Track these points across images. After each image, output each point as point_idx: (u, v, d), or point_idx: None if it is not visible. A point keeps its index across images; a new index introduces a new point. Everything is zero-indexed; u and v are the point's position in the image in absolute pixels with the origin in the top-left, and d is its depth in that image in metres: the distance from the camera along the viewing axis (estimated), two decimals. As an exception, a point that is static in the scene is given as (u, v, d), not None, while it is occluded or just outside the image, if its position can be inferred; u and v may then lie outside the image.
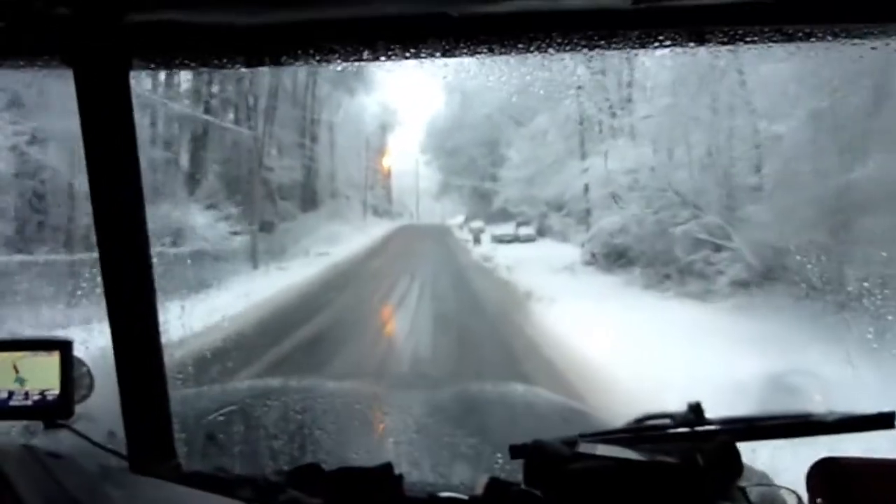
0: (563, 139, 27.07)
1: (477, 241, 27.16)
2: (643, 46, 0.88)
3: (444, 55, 0.86)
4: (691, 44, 0.86)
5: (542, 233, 28.25)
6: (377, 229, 37.53)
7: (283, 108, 29.09)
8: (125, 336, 1.03)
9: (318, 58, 0.90)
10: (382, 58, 0.88)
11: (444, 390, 1.99)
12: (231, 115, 23.09)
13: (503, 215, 38.47)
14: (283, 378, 2.10)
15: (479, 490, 1.03)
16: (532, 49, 0.85)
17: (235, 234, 15.68)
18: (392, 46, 0.85)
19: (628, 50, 0.87)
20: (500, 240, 26.52)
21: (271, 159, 24.75)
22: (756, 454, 1.11)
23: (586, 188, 19.20)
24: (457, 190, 46.60)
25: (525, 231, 27.11)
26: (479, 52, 0.86)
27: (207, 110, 20.32)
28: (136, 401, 1.07)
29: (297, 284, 13.03)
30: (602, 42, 0.85)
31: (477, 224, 34.77)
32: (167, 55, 0.96)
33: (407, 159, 52.60)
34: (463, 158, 43.07)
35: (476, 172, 43.57)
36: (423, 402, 1.76)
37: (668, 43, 0.83)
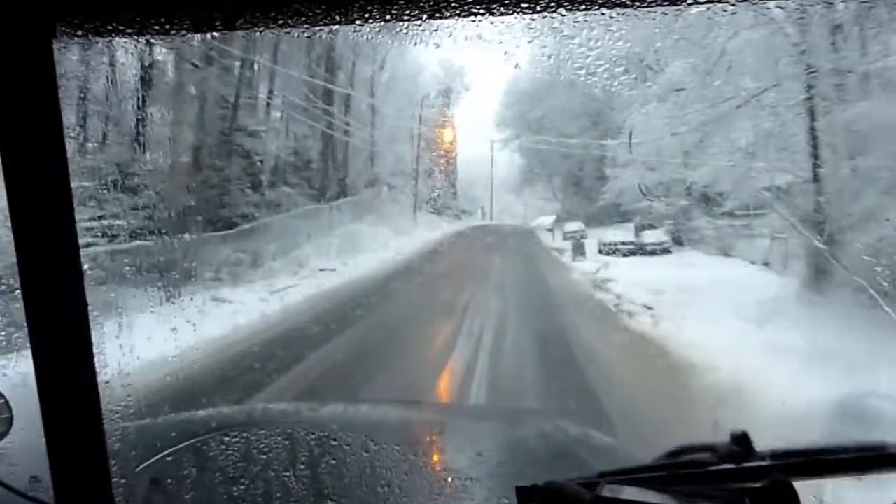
0: (712, 100, 19.90)
1: (578, 252, 20.41)
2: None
3: (431, 17, 0.87)
4: None
5: (679, 240, 23.99)
6: (431, 233, 31.65)
7: (289, 58, 22.97)
8: (51, 360, 1.02)
9: (280, 21, 0.90)
10: (358, 20, 0.89)
11: None
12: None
13: (614, 214, 32.29)
14: (254, 406, 2.35)
15: None
16: None
17: (115, 236, 9.14)
18: (370, 6, 0.86)
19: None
20: (612, 250, 22.93)
21: (255, 122, 18.50)
22: (819, 496, 1.17)
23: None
24: (545, 179, 42.63)
25: (653, 237, 23.43)
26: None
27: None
28: (65, 439, 1.05)
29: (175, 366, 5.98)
30: None
31: (575, 227, 30.50)
32: (98, 20, 0.95)
33: (477, 138, 47.13)
34: (553, 134, 36.48)
35: (573, 154, 37.40)
36: None
37: None
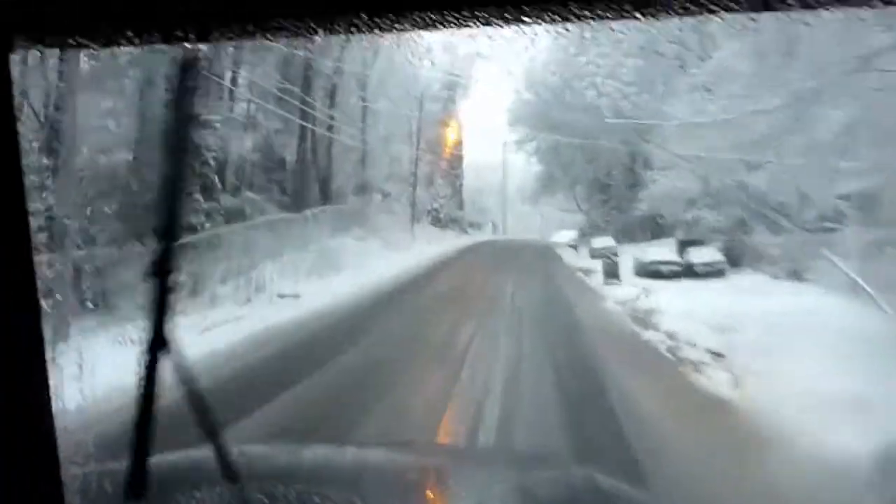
0: (777, 85, 18.87)
1: (611, 274, 18.07)
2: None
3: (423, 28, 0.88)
4: None
5: (735, 260, 21.58)
6: (431, 249, 29.44)
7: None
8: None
9: (259, 34, 0.92)
10: (344, 34, 0.91)
11: None
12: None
13: (650, 228, 30.12)
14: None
15: None
16: None
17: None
18: (357, 20, 0.87)
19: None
20: (652, 272, 20.78)
21: (208, 109, 16.26)
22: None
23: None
24: (566, 186, 40.35)
25: (703, 256, 21.33)
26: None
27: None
28: (17, 487, 1.05)
29: None
30: None
31: (604, 243, 28.08)
32: (60, 33, 0.97)
33: (487, 138, 45.22)
34: (577, 134, 33.90)
35: (600, 156, 35.19)
36: None
37: None
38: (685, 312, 13.77)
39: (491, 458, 2.81)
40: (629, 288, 18.53)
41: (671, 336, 11.93)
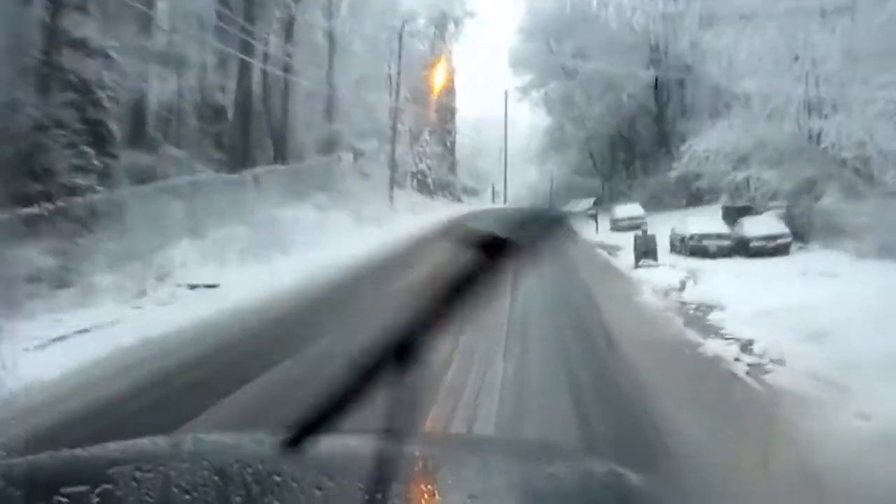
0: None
1: (645, 252, 15.44)
2: None
3: None
4: None
5: (801, 232, 19.46)
6: (414, 220, 27.59)
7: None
8: None
9: None
10: None
11: None
12: None
13: (686, 193, 27.65)
14: (181, 436, 2.12)
15: None
16: None
17: None
18: None
19: None
20: (695, 249, 19.13)
21: (109, 34, 13.45)
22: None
23: None
24: (581, 143, 37.90)
25: (761, 227, 19.38)
26: None
27: None
28: None
29: None
30: None
31: (631, 212, 26.72)
32: None
33: (484, 85, 42.52)
34: (594, 77, 31.28)
35: (623, 105, 33.78)
36: None
37: None
38: (756, 309, 11.06)
39: (482, 446, 2.83)
40: (669, 271, 16.07)
41: (746, 347, 9.27)
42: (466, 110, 45.67)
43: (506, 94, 43.43)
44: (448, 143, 42.42)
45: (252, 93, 23.23)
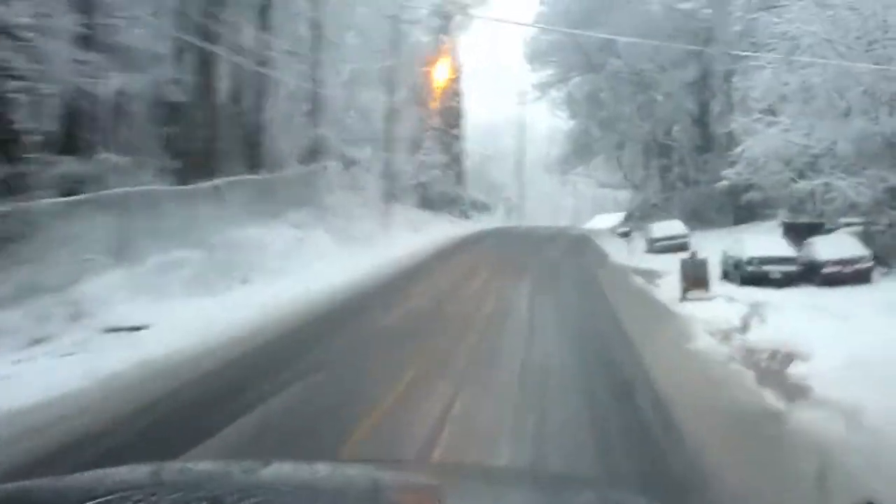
0: None
1: (696, 283, 13.72)
2: None
3: None
4: None
5: (886, 255, 18.28)
6: (413, 241, 26.90)
7: None
8: None
9: None
10: None
11: None
12: None
13: (734, 207, 26.86)
14: (168, 464, 2.27)
15: None
16: None
17: None
18: None
19: None
20: (755, 275, 17.66)
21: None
22: None
23: None
24: (609, 149, 36.73)
25: (833, 250, 17.86)
26: None
27: None
28: None
29: None
30: None
31: (671, 229, 25.05)
32: None
33: (496, 83, 41.58)
34: (626, 74, 30.70)
35: (657, 105, 32.40)
36: None
37: None
38: (844, 356, 9.27)
39: (496, 476, 2.94)
40: (726, 305, 14.47)
41: (854, 420, 7.41)
42: (476, 114, 44.79)
43: (521, 93, 41.84)
44: (454, 152, 40.84)
45: (216, 89, 21.41)
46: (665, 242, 23.46)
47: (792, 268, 17.56)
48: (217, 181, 18.61)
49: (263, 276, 16.06)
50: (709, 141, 30.88)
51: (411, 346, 10.54)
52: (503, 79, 44.94)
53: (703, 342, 11.62)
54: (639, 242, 24.74)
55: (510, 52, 59.21)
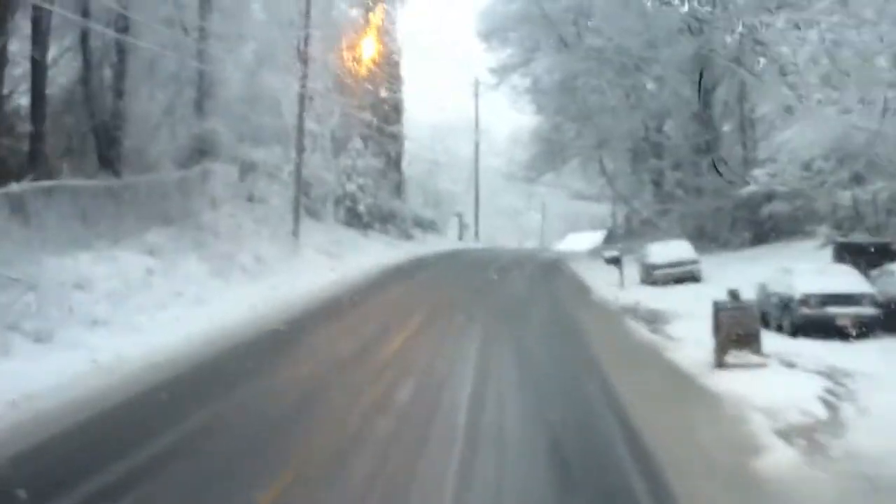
0: None
1: (743, 342, 10.53)
2: None
3: None
4: None
5: None
6: (322, 274, 23.03)
7: None
8: None
9: None
10: None
11: None
12: None
13: (750, 223, 25.75)
14: None
15: None
16: None
17: None
18: None
19: None
20: (815, 323, 14.40)
21: None
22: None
23: None
24: (586, 153, 33.48)
25: None
26: None
27: None
28: None
29: None
30: None
31: (677, 254, 21.46)
32: None
33: (445, 68, 39.00)
34: (609, 52, 28.69)
35: (647, 97, 30.11)
36: None
37: None
38: None
39: None
40: (786, 374, 11.23)
41: None
42: (421, 110, 42.02)
43: (476, 82, 38.91)
44: (392, 155, 37.38)
45: (45, 65, 17.97)
46: (668, 270, 20.10)
47: (870, 310, 14.16)
48: (10, 188, 14.66)
49: (76, 329, 12.89)
50: (714, 138, 27.86)
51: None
52: (454, 66, 41.77)
53: (777, 458, 7.83)
54: (629, 269, 21.22)
55: (462, 31, 56.22)
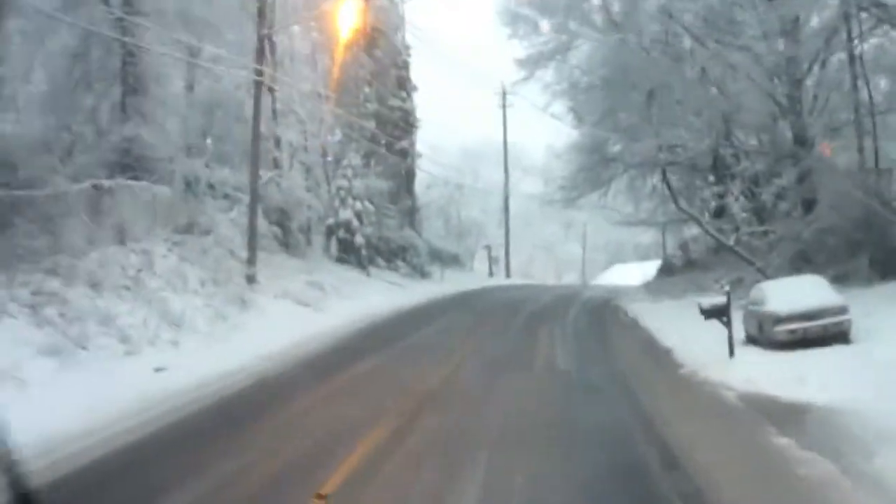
0: None
1: None
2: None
3: None
4: None
5: None
6: (313, 324, 17.41)
7: None
8: None
9: None
10: None
11: None
12: None
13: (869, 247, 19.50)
14: None
15: None
16: None
17: None
18: None
19: None
20: None
21: None
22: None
23: None
24: (636, 169, 27.51)
25: None
26: None
27: None
28: None
29: None
30: None
31: (808, 296, 13.79)
32: None
33: (459, 68, 34.90)
34: (672, 38, 23.10)
35: (729, 95, 23.63)
36: None
37: None
38: None
39: None
40: None
41: None
42: (439, 122, 37.83)
43: (502, 86, 32.61)
44: (403, 174, 30.73)
45: None
46: (801, 325, 11.72)
47: None
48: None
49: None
50: (803, 144, 20.71)
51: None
52: (475, 73, 36.29)
53: None
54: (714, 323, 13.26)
55: (480, 31, 51.48)
